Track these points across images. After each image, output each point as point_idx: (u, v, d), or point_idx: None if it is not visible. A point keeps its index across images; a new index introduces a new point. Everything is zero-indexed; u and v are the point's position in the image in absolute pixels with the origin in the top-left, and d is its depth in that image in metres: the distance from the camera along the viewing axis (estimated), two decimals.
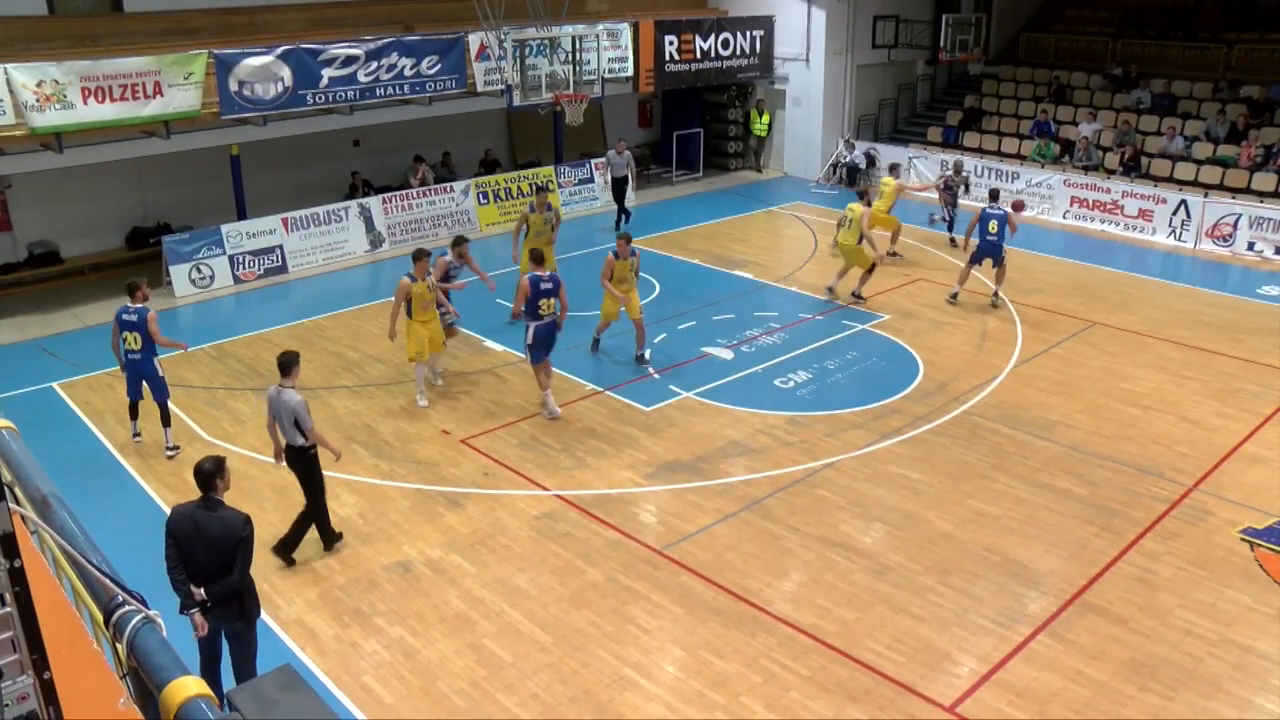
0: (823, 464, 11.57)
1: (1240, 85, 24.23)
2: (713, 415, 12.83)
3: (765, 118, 27.07)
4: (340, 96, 18.63)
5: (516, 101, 17.53)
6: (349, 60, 18.46)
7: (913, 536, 10.14)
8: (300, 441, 9.40)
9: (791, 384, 13.72)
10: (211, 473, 7.11)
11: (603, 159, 23.61)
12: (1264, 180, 21.40)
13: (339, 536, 10.11)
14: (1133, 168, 22.96)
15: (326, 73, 18.24)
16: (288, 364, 9.38)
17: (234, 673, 7.48)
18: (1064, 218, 22.58)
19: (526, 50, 17.23)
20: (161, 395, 11.93)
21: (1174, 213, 21.19)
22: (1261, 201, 20.73)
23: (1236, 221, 20.43)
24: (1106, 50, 26.97)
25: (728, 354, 14.69)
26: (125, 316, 11.58)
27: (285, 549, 9.79)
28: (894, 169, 19.88)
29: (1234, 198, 21.03)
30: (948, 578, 9.46)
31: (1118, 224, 21.91)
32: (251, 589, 7.34)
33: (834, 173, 25.98)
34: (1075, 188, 22.56)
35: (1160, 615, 8.96)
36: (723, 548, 9.99)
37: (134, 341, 11.58)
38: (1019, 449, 11.94)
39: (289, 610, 9.13)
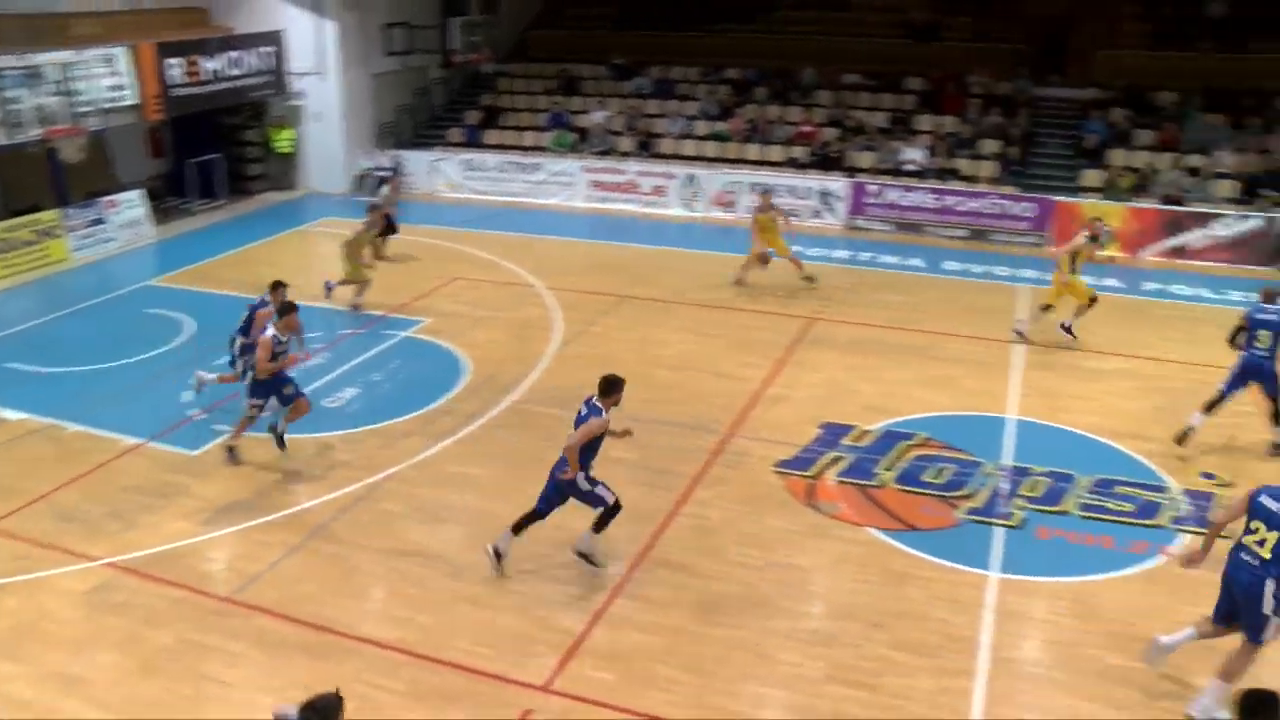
0: (383, 476, 11.40)
1: (724, 69, 26.83)
2: (266, 446, 12.24)
3: (286, 134, 26.21)
4: None
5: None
6: None
7: (482, 531, 10.19)
8: None
9: (340, 402, 13.40)
10: None
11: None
12: (755, 151, 23.86)
13: None
14: (644, 149, 24.61)
15: None
16: None
17: None
18: (586, 201, 23.86)
19: (3, 82, 15.59)
20: None
21: (684, 186, 23.05)
22: (756, 170, 23.06)
23: (737, 189, 22.60)
24: (610, 43, 28.71)
25: None
26: None
27: None
28: None
29: (733, 168, 23.19)
30: (522, 564, 9.62)
31: (636, 202, 23.51)
32: None
33: (362, 184, 25.70)
34: (594, 172, 23.90)
35: (718, 555, 9.72)
36: (294, 581, 9.58)
37: None
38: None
39: None
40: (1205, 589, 9.23)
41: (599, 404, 9.19)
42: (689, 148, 24.72)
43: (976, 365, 14.69)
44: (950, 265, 19.99)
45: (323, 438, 12.33)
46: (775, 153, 24.19)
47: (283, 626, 8.93)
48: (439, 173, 25.41)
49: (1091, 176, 22.90)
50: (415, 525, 10.45)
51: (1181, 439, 11.98)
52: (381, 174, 25.00)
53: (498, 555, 9.53)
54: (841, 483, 11.13)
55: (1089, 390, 13.94)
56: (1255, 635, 7.45)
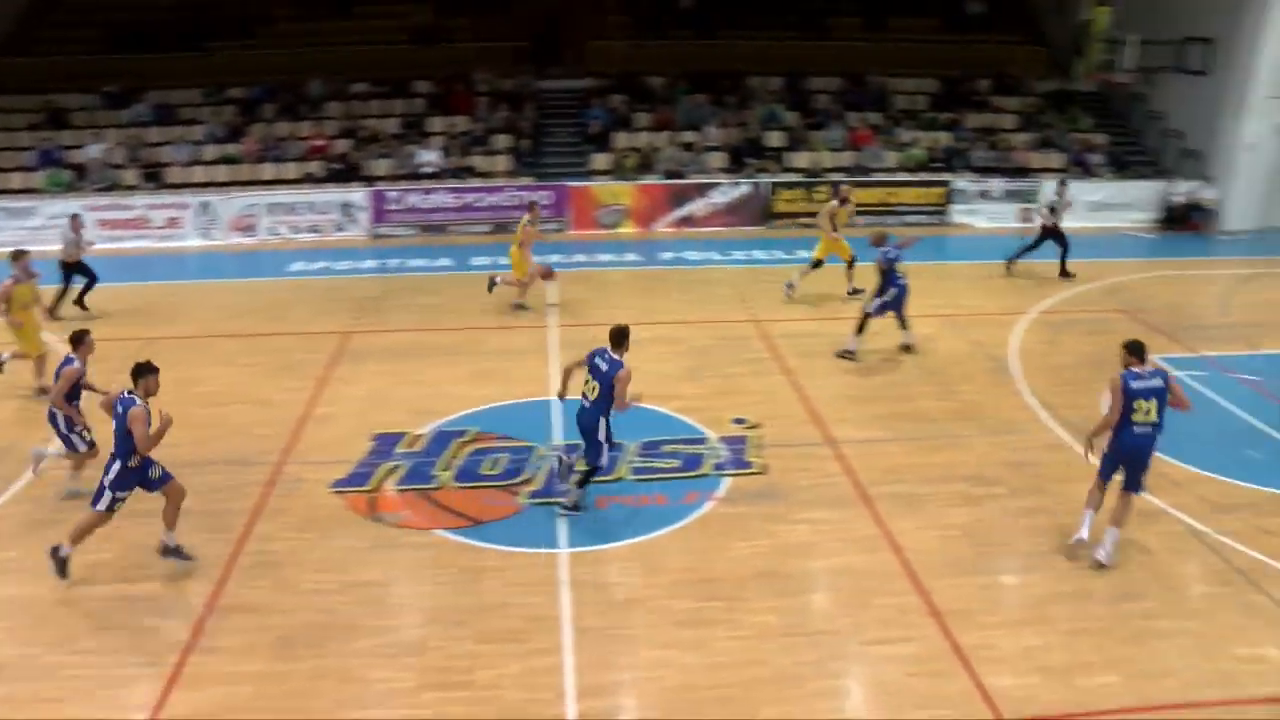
0: None
1: (227, 88, 25.96)
2: None
3: None
4: None
5: None
6: None
7: (24, 624, 9.19)
8: None
9: None
10: None
11: None
12: (270, 170, 23.42)
13: None
14: (151, 180, 23.30)
15: None
16: None
17: None
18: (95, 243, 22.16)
19: None
20: None
21: (199, 215, 22.18)
22: (272, 190, 22.66)
23: (257, 211, 22.07)
24: (99, 68, 26.61)
25: None
26: None
27: None
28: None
29: (248, 190, 22.62)
30: (75, 644, 8.87)
31: (150, 237, 22.29)
32: None
33: None
34: (99, 210, 22.23)
35: (289, 588, 9.57)
36: None
37: None
38: None
39: None
40: (753, 522, 10.50)
41: (615, 355, 10.28)
42: (199, 174, 23.72)
43: (516, 354, 15.45)
44: (479, 260, 20.72)
45: None
46: (290, 170, 23.89)
47: None
48: None
49: (600, 160, 24.68)
50: None
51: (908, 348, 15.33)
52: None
53: (576, 507, 10.75)
54: (402, 491, 11.32)
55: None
56: (1137, 487, 9.63)
